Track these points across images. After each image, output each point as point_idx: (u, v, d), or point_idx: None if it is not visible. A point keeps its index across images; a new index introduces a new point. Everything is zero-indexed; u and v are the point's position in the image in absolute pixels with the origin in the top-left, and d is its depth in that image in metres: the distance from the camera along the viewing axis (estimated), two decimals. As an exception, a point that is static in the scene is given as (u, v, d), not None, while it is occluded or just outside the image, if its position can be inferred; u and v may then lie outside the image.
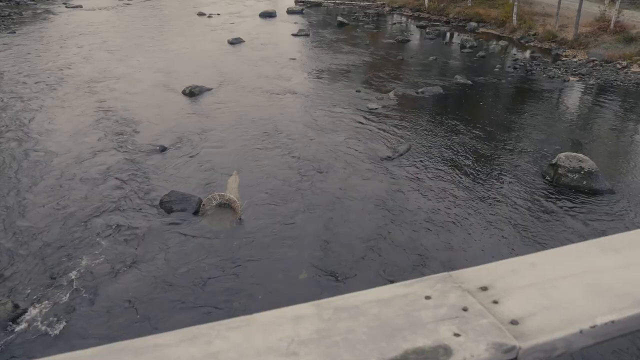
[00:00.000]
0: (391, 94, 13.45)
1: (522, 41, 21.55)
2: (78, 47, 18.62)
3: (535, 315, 0.61)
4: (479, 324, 0.58)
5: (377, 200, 7.80)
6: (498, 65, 17.69)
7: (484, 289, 0.65)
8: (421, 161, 9.33)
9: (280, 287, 5.82)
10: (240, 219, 7.36)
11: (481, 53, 19.31)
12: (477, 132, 10.89)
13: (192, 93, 13.29)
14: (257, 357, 0.50)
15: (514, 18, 23.14)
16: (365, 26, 26.23)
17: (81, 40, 19.75)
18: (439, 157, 9.60)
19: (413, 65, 17.45)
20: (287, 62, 17.24)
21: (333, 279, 6.01)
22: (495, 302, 0.63)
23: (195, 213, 7.52)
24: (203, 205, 7.62)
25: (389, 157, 9.42)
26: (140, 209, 7.49)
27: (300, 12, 30.51)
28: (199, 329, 0.55)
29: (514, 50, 20.65)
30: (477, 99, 13.84)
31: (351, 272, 6.10)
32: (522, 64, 17.84)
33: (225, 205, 7.61)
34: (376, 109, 12.29)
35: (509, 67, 17.56)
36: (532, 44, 21.01)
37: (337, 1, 36.86)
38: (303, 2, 35.27)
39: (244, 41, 20.47)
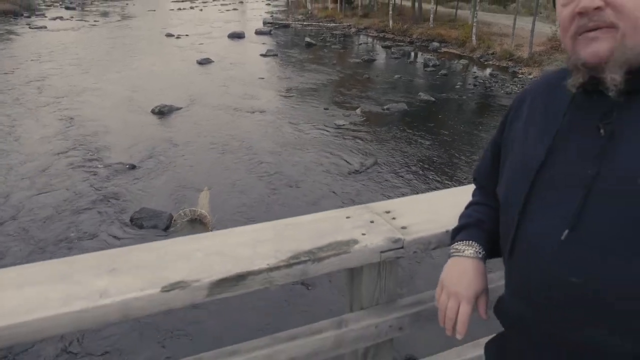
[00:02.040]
0: (358, 111, 13.92)
1: (481, 60, 22.61)
2: (45, 66, 18.51)
3: (419, 224, 0.91)
4: (379, 229, 0.88)
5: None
6: (459, 83, 18.50)
7: (388, 212, 0.95)
8: (386, 173, 9.74)
9: (251, 301, 6.00)
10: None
11: (443, 71, 20.13)
12: (439, 144, 11.43)
13: (161, 112, 13.39)
14: (234, 247, 0.77)
15: (473, 38, 24.27)
16: (333, 46, 26.93)
17: (48, 60, 19.65)
18: (404, 168, 10.03)
19: (379, 84, 18.06)
20: (256, 81, 17.57)
21: (302, 288, 6.23)
22: (394, 218, 0.93)
23: (166, 229, 7.60)
24: (174, 221, 7.72)
25: (357, 170, 9.79)
26: (111, 226, 7.54)
27: (268, 33, 31.07)
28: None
29: (474, 69, 21.62)
30: (440, 114, 14.46)
31: (318, 281, 6.34)
32: (481, 81, 18.72)
33: (197, 221, 7.74)
34: (343, 125, 12.70)
35: (470, 84, 18.39)
36: (490, 62, 22.08)
37: (305, 23, 37.73)
38: (271, 23, 35.96)
39: (213, 61, 20.73)
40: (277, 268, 0.77)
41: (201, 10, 50.43)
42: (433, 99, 15.58)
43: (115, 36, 28.02)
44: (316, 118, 13.29)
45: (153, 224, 7.66)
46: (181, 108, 13.87)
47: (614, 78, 0.66)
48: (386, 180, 9.37)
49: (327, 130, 12.27)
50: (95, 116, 12.94)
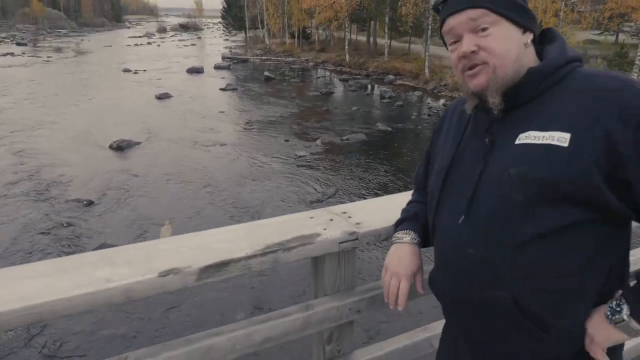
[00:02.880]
0: (318, 142, 14.25)
1: (434, 91, 23.69)
2: (-3, 103, 17.99)
3: (371, 220, 1.10)
4: (338, 225, 1.06)
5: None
6: (415, 113, 19.27)
7: (345, 212, 1.14)
8: (348, 201, 9.98)
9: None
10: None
11: (399, 103, 20.95)
12: (396, 171, 11.84)
13: (119, 147, 13.25)
14: (214, 242, 0.92)
15: (426, 71, 25.46)
16: (291, 80, 27.53)
17: (2, 94, 19.13)
18: (364, 195, 10.31)
19: (338, 115, 18.57)
20: (216, 115, 17.70)
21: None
22: (350, 217, 1.12)
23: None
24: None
25: (319, 200, 9.98)
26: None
27: (227, 68, 31.47)
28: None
29: (428, 99, 22.60)
30: (397, 143, 14.99)
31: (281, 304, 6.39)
32: (435, 111, 19.57)
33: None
34: (304, 156, 12.95)
35: (425, 114, 19.19)
36: (443, 93, 23.17)
37: (263, 57, 38.45)
38: (230, 58, 36.45)
39: (172, 96, 20.76)
40: (253, 256, 0.93)
41: (159, 45, 50.55)
42: (390, 129, 16.16)
43: (70, 72, 27.62)
44: (277, 149, 13.50)
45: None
46: (140, 143, 13.78)
47: (494, 101, 0.89)
48: (347, 207, 9.58)
49: (288, 161, 12.48)
50: (51, 151, 12.67)
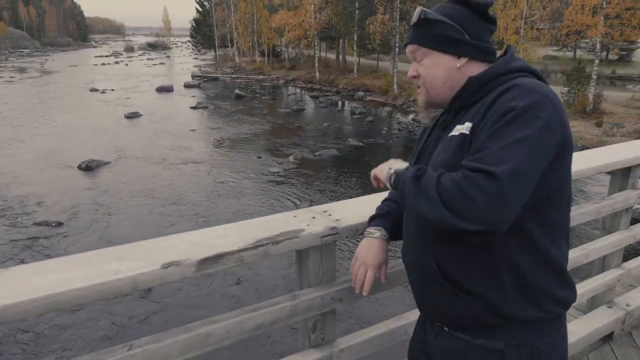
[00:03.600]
0: (291, 158, 14.38)
1: (403, 106, 24.26)
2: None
3: (349, 217, 1.23)
4: (320, 222, 1.18)
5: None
6: (385, 128, 19.68)
7: (325, 211, 1.27)
8: (322, 215, 10.08)
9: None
10: (149, 289, 7.38)
11: (369, 118, 21.35)
12: (367, 185, 12.03)
13: (88, 167, 13.04)
14: (210, 239, 1.03)
15: (395, 87, 26.07)
16: (262, 97, 27.70)
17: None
18: (338, 210, 10.45)
19: (310, 132, 18.78)
20: (188, 133, 17.64)
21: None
22: (330, 215, 1.24)
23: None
24: (108, 277, 7.50)
25: (293, 213, 10.06)
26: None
27: (197, 86, 31.41)
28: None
29: (398, 115, 23.11)
30: (368, 157, 15.27)
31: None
32: (405, 126, 20.04)
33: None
34: (278, 172, 13.05)
35: (395, 129, 19.62)
36: (412, 108, 23.72)
37: (234, 75, 38.56)
38: (200, 76, 36.39)
39: (141, 115, 20.58)
40: (246, 249, 1.04)
41: (127, 65, 50.00)
42: (362, 144, 16.45)
43: (36, 91, 27.05)
44: (250, 166, 13.56)
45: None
46: (110, 162, 13.60)
47: (427, 113, 1.17)
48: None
49: (261, 178, 12.54)
50: (18, 172, 12.38)
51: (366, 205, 1.29)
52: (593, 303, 2.20)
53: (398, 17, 26.22)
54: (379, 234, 1.21)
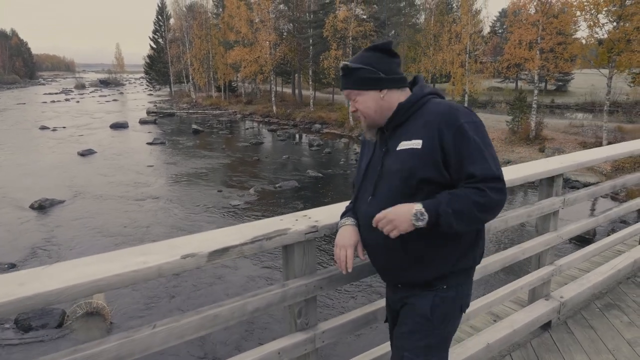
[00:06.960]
0: (252, 191, 14.54)
1: (359, 138, 24.99)
2: None
3: (327, 218, 1.52)
4: (302, 222, 1.46)
5: (246, 281, 8.39)
6: (343, 159, 20.24)
7: (306, 215, 1.54)
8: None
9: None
10: (111, 323, 7.25)
11: (327, 150, 21.91)
12: (331, 214, 12.34)
13: (41, 207, 12.70)
14: (217, 237, 1.27)
15: (350, 119, 26.92)
16: (220, 132, 27.84)
17: None
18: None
19: (269, 164, 19.05)
20: (145, 169, 17.50)
21: None
22: (310, 217, 1.52)
23: (59, 326, 7.16)
24: (67, 316, 7.32)
25: (256, 244, 10.16)
26: (-9, 332, 6.92)
27: (153, 122, 31.20)
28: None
29: (355, 146, 23.80)
30: (328, 188, 15.64)
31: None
32: (361, 156, 20.65)
33: (94, 313, 7.43)
34: (239, 205, 13.15)
35: (352, 159, 20.20)
36: (367, 140, 24.51)
37: (190, 111, 38.55)
38: (155, 112, 36.18)
39: (96, 152, 20.26)
40: (245, 244, 1.30)
41: (78, 102, 48.96)
42: (321, 175, 16.86)
43: (-19, 131, 26.02)
44: (210, 200, 13.60)
45: (42, 323, 7.16)
46: (64, 201, 13.30)
47: (382, 129, 1.50)
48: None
49: (222, 211, 12.61)
50: (-35, 215, 11.86)
51: (338, 210, 1.59)
52: (533, 296, 2.56)
53: (351, 52, 27.34)
54: (350, 221, 1.52)
